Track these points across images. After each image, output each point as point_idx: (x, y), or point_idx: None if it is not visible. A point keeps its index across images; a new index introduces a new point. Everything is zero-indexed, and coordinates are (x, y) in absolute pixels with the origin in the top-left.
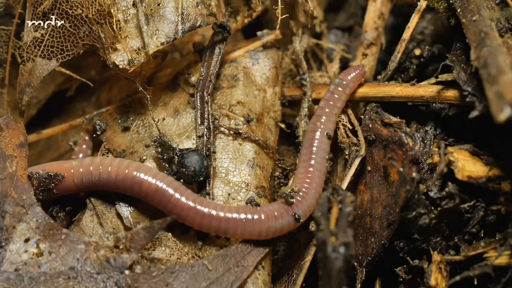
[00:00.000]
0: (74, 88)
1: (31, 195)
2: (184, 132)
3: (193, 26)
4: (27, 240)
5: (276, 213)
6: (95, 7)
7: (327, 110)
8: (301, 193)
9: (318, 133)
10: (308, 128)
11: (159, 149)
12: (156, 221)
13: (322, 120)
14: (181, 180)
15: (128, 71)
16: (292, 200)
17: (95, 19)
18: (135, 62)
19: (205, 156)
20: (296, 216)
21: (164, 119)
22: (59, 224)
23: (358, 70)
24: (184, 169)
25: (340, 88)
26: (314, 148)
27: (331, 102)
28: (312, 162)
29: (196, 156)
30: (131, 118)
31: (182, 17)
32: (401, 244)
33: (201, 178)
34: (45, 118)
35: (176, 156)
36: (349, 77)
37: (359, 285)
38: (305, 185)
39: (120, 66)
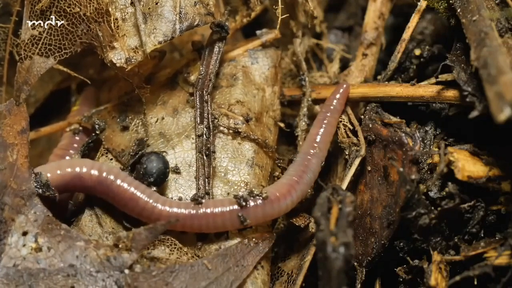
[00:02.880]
0: (74, 88)
1: (31, 186)
2: (183, 131)
3: (191, 25)
4: (25, 234)
5: (219, 210)
6: (93, 5)
7: (323, 141)
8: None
9: (313, 160)
10: (301, 150)
11: (135, 147)
12: (160, 222)
13: (317, 150)
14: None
15: (125, 69)
16: (243, 203)
17: (93, 17)
18: (132, 60)
19: (167, 167)
20: (241, 218)
21: (163, 118)
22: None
23: (342, 89)
24: (138, 165)
25: (329, 114)
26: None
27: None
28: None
29: (158, 164)
30: (130, 117)
31: (180, 16)
32: (401, 244)
33: (151, 179)
34: (44, 117)
35: (143, 154)
36: (335, 101)
37: (359, 285)
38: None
39: (118, 65)
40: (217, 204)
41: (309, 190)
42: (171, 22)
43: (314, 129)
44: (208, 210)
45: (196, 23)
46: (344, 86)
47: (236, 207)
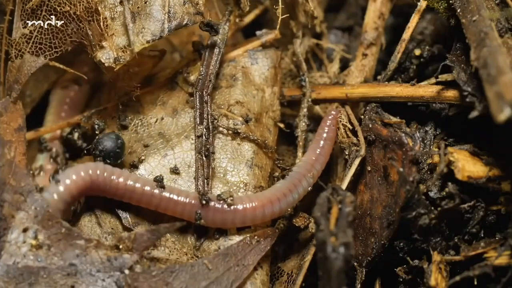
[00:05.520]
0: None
1: (30, 182)
2: (182, 132)
3: (180, 24)
4: (25, 230)
5: (178, 198)
6: (83, 4)
7: (317, 170)
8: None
9: (305, 183)
10: (297, 169)
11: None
12: (163, 225)
13: (311, 175)
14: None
15: (114, 69)
16: (203, 202)
17: (83, 16)
18: (120, 60)
19: (120, 148)
20: (197, 216)
21: (162, 118)
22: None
23: (331, 116)
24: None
25: (322, 142)
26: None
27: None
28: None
29: (109, 141)
30: (129, 117)
31: (169, 15)
32: (401, 244)
33: (98, 148)
34: (41, 116)
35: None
36: (327, 128)
37: (359, 285)
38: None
39: (106, 64)
40: (180, 193)
41: (288, 210)
42: (160, 21)
43: (311, 154)
44: (167, 194)
45: (185, 22)
46: (333, 113)
47: (196, 202)
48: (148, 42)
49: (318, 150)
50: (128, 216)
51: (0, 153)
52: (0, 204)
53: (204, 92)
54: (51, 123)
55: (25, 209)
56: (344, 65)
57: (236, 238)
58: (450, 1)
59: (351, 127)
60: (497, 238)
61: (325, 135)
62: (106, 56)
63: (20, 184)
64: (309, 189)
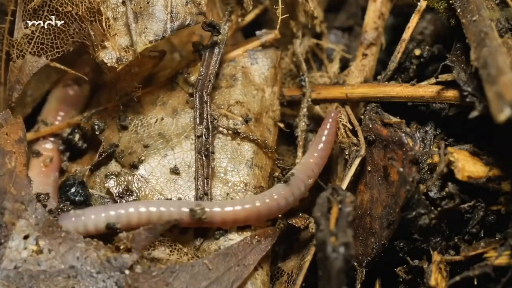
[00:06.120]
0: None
1: (30, 191)
2: (182, 132)
3: (182, 24)
4: (26, 237)
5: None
6: (85, 5)
7: (316, 174)
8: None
9: (303, 189)
10: (297, 173)
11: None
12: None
13: (311, 180)
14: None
15: (116, 69)
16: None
17: (85, 16)
18: (123, 60)
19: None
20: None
21: (162, 118)
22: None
23: (331, 118)
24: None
25: (322, 145)
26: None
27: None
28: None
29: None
30: (129, 118)
31: (171, 15)
32: (401, 244)
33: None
34: None
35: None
36: (326, 131)
37: (359, 285)
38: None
39: (109, 64)
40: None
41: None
42: (162, 21)
43: (309, 158)
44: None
45: (187, 22)
46: (333, 113)
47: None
48: (150, 42)
49: (317, 153)
50: None
51: (0, 162)
52: (1, 211)
53: (204, 92)
54: (49, 120)
55: (26, 217)
56: (344, 65)
57: (237, 238)
58: (450, 1)
59: (351, 127)
60: (497, 238)
61: (324, 137)
62: (108, 56)
63: (20, 193)
64: (306, 194)
